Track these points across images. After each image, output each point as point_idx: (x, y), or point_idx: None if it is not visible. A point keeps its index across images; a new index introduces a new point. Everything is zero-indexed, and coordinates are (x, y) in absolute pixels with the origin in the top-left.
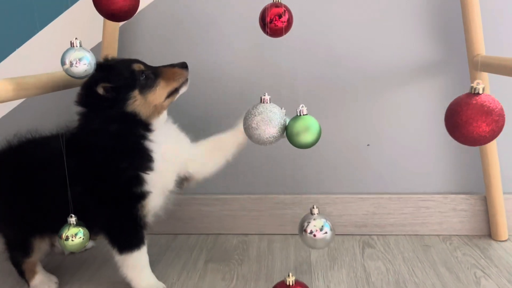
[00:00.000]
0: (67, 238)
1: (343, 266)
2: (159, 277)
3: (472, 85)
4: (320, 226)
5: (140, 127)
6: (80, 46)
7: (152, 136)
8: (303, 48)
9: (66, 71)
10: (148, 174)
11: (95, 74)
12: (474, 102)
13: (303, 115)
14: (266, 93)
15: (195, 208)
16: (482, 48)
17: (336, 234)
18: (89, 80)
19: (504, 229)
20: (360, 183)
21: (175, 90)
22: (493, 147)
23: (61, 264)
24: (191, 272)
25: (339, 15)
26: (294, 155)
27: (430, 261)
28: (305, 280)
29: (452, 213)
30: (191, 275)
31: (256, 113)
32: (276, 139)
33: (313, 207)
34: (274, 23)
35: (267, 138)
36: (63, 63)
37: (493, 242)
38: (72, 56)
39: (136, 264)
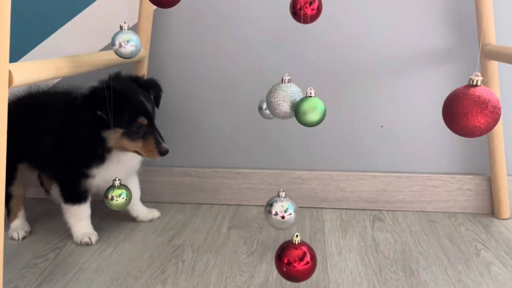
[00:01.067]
0: (112, 198)
1: (354, 236)
2: (186, 240)
3: (470, 77)
4: (285, 208)
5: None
6: (128, 29)
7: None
8: (320, 33)
9: (115, 51)
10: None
11: (102, 92)
12: (471, 93)
13: (311, 96)
14: (287, 74)
15: (218, 180)
16: (493, 38)
17: (348, 209)
18: (100, 93)
19: (506, 208)
20: (373, 162)
21: (138, 153)
22: (499, 131)
23: (97, 227)
24: (215, 236)
25: (355, 1)
26: (311, 134)
27: (435, 234)
28: (318, 246)
29: (458, 192)
30: (215, 239)
31: (279, 90)
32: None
33: (280, 190)
34: (304, 10)
35: (288, 113)
36: (113, 44)
37: (495, 219)
38: (121, 38)
39: (76, 215)
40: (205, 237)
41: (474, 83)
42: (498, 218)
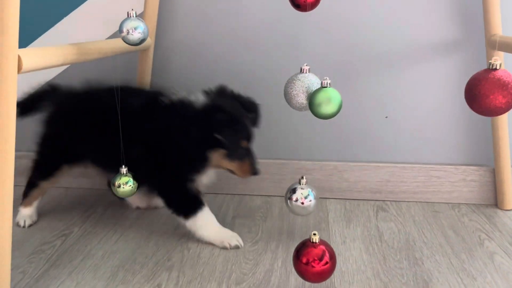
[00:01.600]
0: (119, 186)
1: (358, 225)
2: None
3: (490, 61)
4: (306, 195)
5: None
6: (135, 16)
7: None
8: (326, 24)
9: (123, 38)
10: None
11: (223, 116)
12: (491, 76)
13: (326, 87)
14: (306, 63)
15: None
16: (499, 28)
17: (352, 199)
18: (219, 117)
19: (510, 199)
20: (377, 152)
21: (231, 171)
22: (504, 122)
23: (103, 215)
24: (221, 224)
25: None
26: (316, 124)
27: (438, 225)
28: (323, 236)
29: (462, 183)
30: None
31: (296, 81)
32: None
33: (302, 177)
34: None
35: (305, 104)
36: (120, 31)
37: (499, 210)
38: (129, 25)
39: (205, 223)
40: None
41: (494, 67)
42: (501, 209)
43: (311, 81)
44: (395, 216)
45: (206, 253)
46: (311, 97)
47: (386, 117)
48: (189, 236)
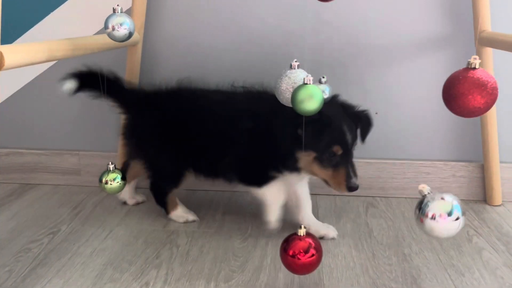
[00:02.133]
0: (106, 182)
1: (348, 222)
2: (180, 225)
3: (469, 60)
4: (448, 210)
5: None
6: (121, 12)
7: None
8: (316, 21)
9: (108, 34)
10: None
11: (310, 118)
12: (470, 75)
13: (308, 84)
14: (295, 59)
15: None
16: (489, 24)
17: (342, 195)
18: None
19: (499, 195)
20: (367, 149)
21: (326, 183)
22: (492, 119)
23: (92, 213)
24: (210, 222)
25: None
26: None
27: None
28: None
29: (451, 179)
30: (210, 225)
31: (285, 77)
32: None
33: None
34: None
35: None
36: (106, 27)
37: (487, 206)
38: (114, 21)
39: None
40: (200, 223)
41: (473, 66)
42: (490, 205)
43: (299, 77)
44: (384, 212)
45: (195, 250)
46: (293, 94)
47: (376, 113)
48: (178, 233)
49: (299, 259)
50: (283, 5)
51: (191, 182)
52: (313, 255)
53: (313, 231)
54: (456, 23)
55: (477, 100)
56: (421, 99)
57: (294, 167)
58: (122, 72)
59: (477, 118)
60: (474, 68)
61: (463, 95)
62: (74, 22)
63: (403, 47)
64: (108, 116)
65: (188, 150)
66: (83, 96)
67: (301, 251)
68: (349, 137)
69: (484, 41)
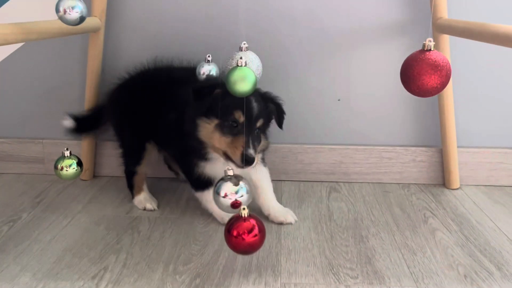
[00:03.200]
0: (62, 169)
1: (310, 206)
2: (143, 212)
3: (424, 42)
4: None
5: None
6: None
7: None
8: (276, 5)
9: (60, 18)
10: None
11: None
12: (425, 57)
13: (242, 66)
14: (245, 42)
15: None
16: (445, 12)
17: (306, 181)
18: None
19: (456, 178)
20: (330, 135)
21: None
22: (450, 105)
23: (54, 200)
24: (173, 208)
25: None
26: None
27: (387, 204)
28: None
29: (411, 164)
30: (173, 211)
31: (230, 60)
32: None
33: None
34: None
35: None
36: (57, 10)
37: (445, 190)
38: (65, 4)
39: (210, 200)
40: (163, 210)
41: (428, 48)
42: (448, 188)
43: (249, 58)
44: (346, 197)
45: (157, 235)
46: (227, 75)
47: (339, 99)
48: (141, 219)
49: (243, 239)
50: None
51: (158, 170)
52: (255, 235)
53: (272, 216)
54: (415, 10)
55: (433, 79)
56: (382, 85)
57: (198, 147)
58: (85, 58)
59: (436, 105)
60: (429, 50)
61: (418, 75)
62: (35, 7)
63: (364, 34)
64: (72, 103)
65: (147, 125)
66: (46, 83)
67: (245, 231)
68: (254, 107)
69: (441, 28)
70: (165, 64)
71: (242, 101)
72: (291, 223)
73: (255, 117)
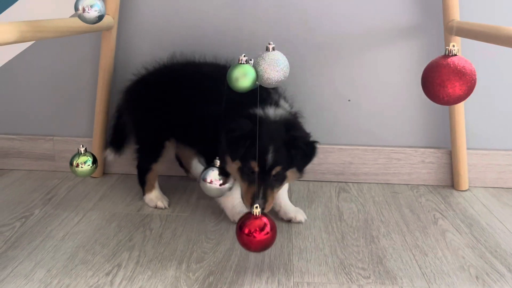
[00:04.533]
0: (77, 165)
1: (320, 206)
2: (154, 209)
3: (447, 47)
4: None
5: None
6: None
7: None
8: (288, 8)
9: (79, 16)
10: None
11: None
12: (449, 63)
13: (243, 63)
14: (272, 42)
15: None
16: (457, 14)
17: (315, 180)
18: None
19: (466, 180)
20: (340, 135)
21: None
22: (460, 107)
23: (65, 197)
24: (184, 206)
25: None
26: None
27: (396, 205)
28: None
29: (420, 165)
30: (184, 209)
31: (264, 59)
32: (282, 81)
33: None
34: None
35: (275, 81)
36: (76, 9)
37: (454, 191)
38: (84, 3)
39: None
40: (174, 207)
41: (452, 53)
42: (457, 190)
43: (276, 58)
44: (355, 197)
45: (168, 233)
46: (229, 72)
47: (349, 100)
48: (152, 217)
49: (254, 237)
50: None
51: (167, 167)
52: (267, 233)
53: (282, 213)
54: (426, 12)
55: (456, 87)
56: (392, 87)
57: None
58: (97, 56)
59: (446, 106)
60: (454, 55)
61: (442, 83)
62: (48, 5)
63: (376, 36)
64: (83, 101)
65: (170, 122)
66: (57, 80)
67: (257, 229)
68: (270, 158)
69: (453, 30)
70: (186, 60)
71: (261, 150)
72: (301, 222)
73: (269, 167)
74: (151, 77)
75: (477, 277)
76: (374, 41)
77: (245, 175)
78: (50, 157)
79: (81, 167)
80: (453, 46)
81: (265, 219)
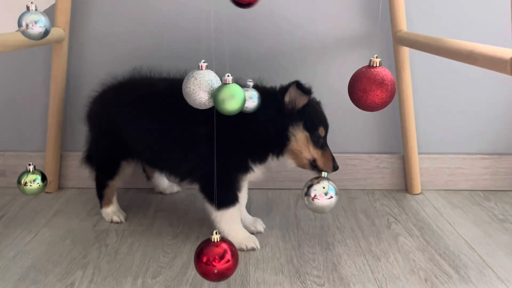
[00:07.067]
0: (25, 184)
1: (277, 214)
2: (111, 224)
3: (371, 58)
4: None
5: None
6: (35, 9)
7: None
8: (247, 20)
9: (23, 33)
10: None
11: (297, 92)
12: (371, 73)
13: (228, 83)
14: (203, 60)
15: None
16: (404, 24)
17: (274, 188)
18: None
19: (418, 184)
20: None
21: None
22: (410, 114)
23: (17, 215)
24: (141, 220)
25: None
26: None
27: (352, 210)
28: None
29: (375, 170)
30: (141, 222)
31: (192, 78)
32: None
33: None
34: None
35: (203, 103)
36: (19, 25)
37: (408, 195)
38: (28, 19)
39: (232, 219)
40: (130, 221)
41: (375, 64)
42: (410, 194)
43: (206, 78)
44: None
45: (124, 248)
46: (215, 94)
47: None
48: (108, 232)
49: (213, 266)
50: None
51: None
52: (228, 260)
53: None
54: (377, 22)
55: (376, 95)
56: (346, 96)
57: (281, 148)
58: (49, 69)
59: (397, 113)
60: (375, 66)
61: (363, 91)
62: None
63: (327, 46)
64: (35, 115)
65: (127, 141)
66: (8, 94)
67: (216, 257)
68: (328, 123)
69: (400, 40)
70: (142, 76)
71: (322, 117)
72: (260, 232)
73: (327, 131)
74: (105, 95)
75: (426, 280)
76: (328, 51)
77: (316, 142)
78: (1, 173)
79: (30, 185)
80: (376, 57)
81: (225, 246)
